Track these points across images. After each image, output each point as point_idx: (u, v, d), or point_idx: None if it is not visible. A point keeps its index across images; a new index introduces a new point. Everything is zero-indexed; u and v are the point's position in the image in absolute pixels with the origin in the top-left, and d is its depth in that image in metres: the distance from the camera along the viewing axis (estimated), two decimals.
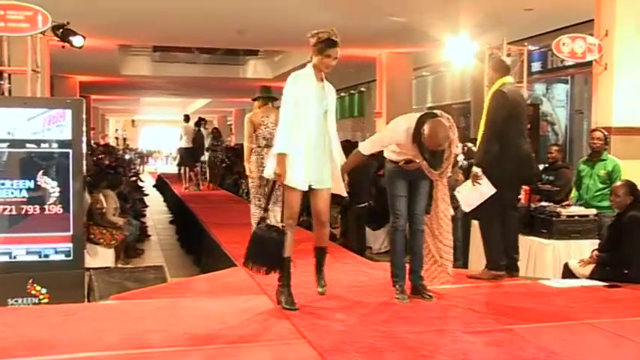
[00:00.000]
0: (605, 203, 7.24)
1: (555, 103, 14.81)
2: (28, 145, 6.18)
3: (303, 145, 5.05)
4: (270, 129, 7.34)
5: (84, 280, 6.42)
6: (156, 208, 17.78)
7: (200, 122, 17.34)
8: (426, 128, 5.22)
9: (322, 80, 5.24)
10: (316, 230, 5.33)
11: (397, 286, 5.50)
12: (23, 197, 6.16)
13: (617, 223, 6.38)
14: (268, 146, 7.22)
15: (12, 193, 6.14)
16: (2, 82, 8.45)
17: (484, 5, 10.98)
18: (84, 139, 6.57)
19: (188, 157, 16.95)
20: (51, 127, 6.20)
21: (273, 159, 5.13)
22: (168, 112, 41.99)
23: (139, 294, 5.86)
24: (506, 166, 6.24)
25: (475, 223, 7.79)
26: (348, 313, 5.05)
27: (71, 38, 8.60)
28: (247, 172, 7.80)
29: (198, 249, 10.30)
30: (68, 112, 6.25)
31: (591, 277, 6.27)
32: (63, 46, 8.73)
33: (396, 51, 16.06)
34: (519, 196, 7.07)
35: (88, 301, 6.35)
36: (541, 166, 9.23)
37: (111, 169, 13.64)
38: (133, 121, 51.11)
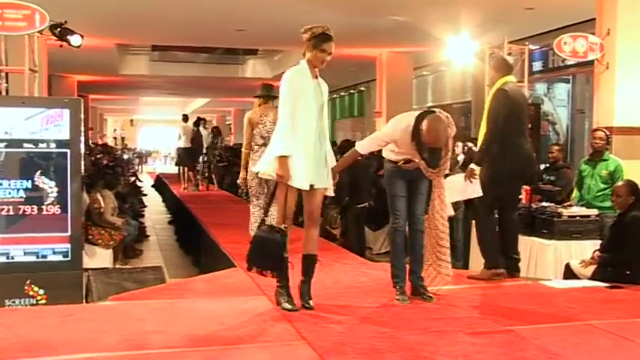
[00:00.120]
0: (607, 203, 7.21)
1: (556, 102, 14.79)
2: (25, 144, 6.14)
3: (304, 143, 5.01)
4: (268, 128, 7.31)
5: (82, 281, 6.38)
6: (154, 208, 17.76)
7: (199, 122, 17.30)
8: (424, 125, 5.22)
9: (317, 77, 5.18)
10: (308, 232, 5.21)
11: (397, 286, 5.47)
12: (21, 197, 6.12)
13: (619, 223, 6.36)
14: (265, 145, 7.18)
15: (9, 194, 6.10)
16: (0, 81, 8.40)
17: (485, 4, 10.96)
18: (82, 138, 6.53)
19: (187, 157, 16.92)
20: (49, 126, 6.16)
21: (269, 157, 5.08)
22: (167, 111, 42.01)
23: (138, 295, 5.83)
24: (507, 165, 6.22)
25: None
26: (348, 314, 5.02)
27: (69, 37, 8.56)
28: (239, 181, 7.81)
29: (197, 249, 10.28)
30: (66, 112, 6.21)
31: (593, 277, 6.25)
32: (61, 45, 8.70)
33: (396, 50, 16.05)
34: (520, 196, 7.04)
35: (86, 301, 6.32)
36: (542, 166, 9.20)
37: (109, 169, 13.61)
38: (131, 120, 51.12)
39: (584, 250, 6.94)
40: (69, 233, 6.23)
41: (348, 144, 10.16)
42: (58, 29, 8.38)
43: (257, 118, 7.57)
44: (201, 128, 17.25)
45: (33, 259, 6.16)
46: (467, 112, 17.25)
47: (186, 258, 11.05)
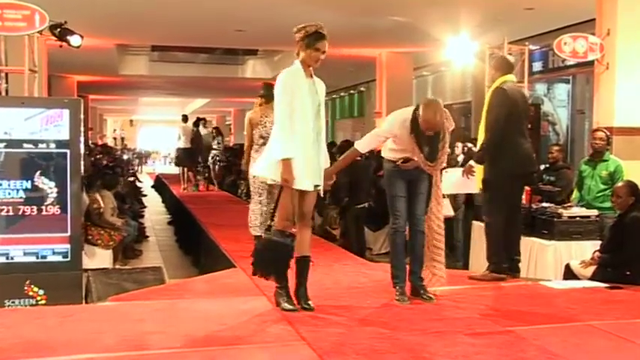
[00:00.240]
0: (607, 204, 7.20)
1: (556, 102, 14.78)
2: (25, 145, 6.13)
3: (302, 143, 4.99)
4: (268, 128, 7.31)
5: (82, 282, 6.37)
6: (154, 208, 17.76)
7: (198, 122, 17.28)
8: (421, 110, 5.26)
9: (312, 76, 5.16)
10: (301, 233, 5.17)
11: (397, 287, 5.47)
12: (20, 198, 6.12)
13: (619, 224, 6.36)
14: (265, 145, 7.19)
15: (9, 194, 6.09)
16: (0, 81, 8.39)
17: (485, 5, 10.95)
18: (82, 139, 6.53)
19: (186, 157, 16.91)
20: (48, 127, 6.16)
21: (268, 161, 5.06)
22: (167, 112, 41.98)
23: (138, 295, 5.83)
24: (506, 164, 6.21)
25: (476, 224, 7.77)
26: (348, 314, 5.02)
27: (69, 37, 8.56)
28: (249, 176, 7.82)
29: (197, 250, 10.27)
30: (66, 112, 6.21)
31: (593, 278, 6.24)
32: (61, 46, 8.69)
33: (396, 50, 16.03)
34: (521, 196, 7.03)
35: (86, 302, 6.31)
36: (542, 167, 9.19)
37: (109, 169, 13.60)
38: (131, 121, 51.12)
39: (584, 251, 6.93)
40: (69, 234, 6.22)
41: (348, 144, 10.14)
42: (58, 29, 8.38)
43: (258, 118, 7.58)
44: (201, 128, 17.24)
45: (33, 259, 6.15)
46: (467, 113, 17.23)
47: (185, 258, 11.04)
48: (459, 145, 10.62)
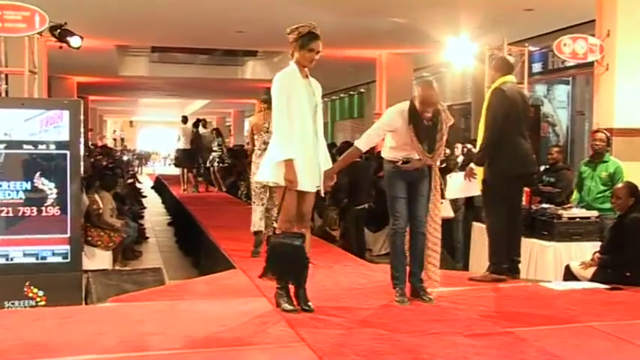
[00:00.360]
0: (607, 205, 7.19)
1: (556, 104, 14.79)
2: (25, 146, 6.14)
3: (302, 144, 4.99)
4: (271, 134, 7.33)
5: (81, 283, 6.38)
6: (154, 209, 17.75)
7: (198, 123, 17.27)
8: (416, 90, 5.35)
9: (307, 77, 5.16)
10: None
11: (397, 288, 5.46)
12: (20, 199, 6.12)
13: (619, 225, 6.35)
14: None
15: (9, 195, 6.10)
16: (0, 82, 8.40)
17: (484, 6, 10.95)
18: (82, 140, 6.53)
19: (186, 158, 16.89)
20: (48, 128, 6.16)
21: (270, 164, 5.05)
22: (167, 113, 42.00)
23: (137, 296, 5.82)
24: (505, 166, 6.21)
25: (476, 225, 7.77)
26: (348, 315, 5.01)
27: (69, 39, 8.57)
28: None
29: (197, 251, 10.26)
30: (66, 113, 6.21)
31: (593, 279, 6.24)
32: (60, 47, 8.71)
33: (396, 51, 16.04)
34: (521, 198, 7.03)
35: (86, 303, 6.31)
36: (542, 168, 9.19)
37: (108, 170, 13.60)
38: (131, 122, 51.13)
39: (584, 252, 6.93)
40: (68, 235, 6.22)
41: (348, 145, 10.13)
42: (58, 31, 8.39)
43: (261, 123, 7.57)
44: (200, 128, 17.22)
45: (32, 260, 6.15)
46: (467, 114, 17.24)
47: (185, 259, 11.03)
48: (459, 146, 10.63)
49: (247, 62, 22.05)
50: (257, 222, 7.56)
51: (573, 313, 5.20)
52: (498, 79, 6.38)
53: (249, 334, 4.50)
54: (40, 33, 7.75)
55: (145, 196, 18.85)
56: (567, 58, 9.03)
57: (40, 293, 6.10)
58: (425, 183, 5.50)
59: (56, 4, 8.25)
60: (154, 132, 52.90)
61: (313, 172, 5.07)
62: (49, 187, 6.16)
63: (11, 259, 6.11)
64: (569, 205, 7.65)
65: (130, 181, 18.53)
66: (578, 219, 7.32)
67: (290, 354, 4.16)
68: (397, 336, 4.49)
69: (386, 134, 5.56)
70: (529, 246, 7.26)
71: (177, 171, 18.87)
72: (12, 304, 6.02)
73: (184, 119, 17.68)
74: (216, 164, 16.60)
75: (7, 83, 8.53)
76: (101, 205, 9.15)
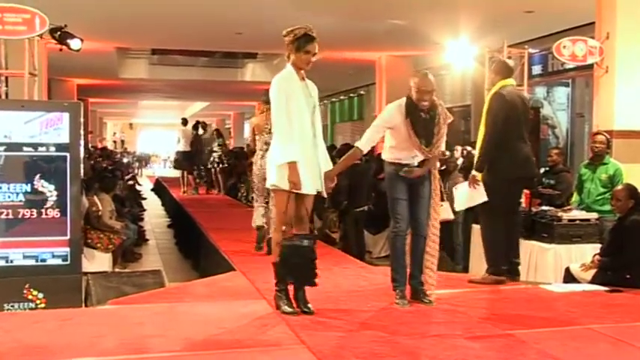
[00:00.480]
0: (607, 207, 7.19)
1: (556, 106, 14.78)
2: (25, 148, 6.13)
3: (302, 147, 4.99)
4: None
5: (81, 285, 6.37)
6: (154, 212, 17.74)
7: (197, 125, 17.27)
8: (412, 81, 5.37)
9: (304, 79, 5.17)
10: None
11: (397, 290, 5.46)
12: (20, 201, 6.11)
13: (619, 227, 6.35)
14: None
15: (9, 197, 6.09)
16: (0, 84, 8.40)
17: (484, 8, 10.96)
18: (81, 142, 6.52)
19: (185, 160, 16.89)
20: (48, 130, 6.16)
21: (274, 168, 5.04)
22: (166, 115, 41.97)
23: (137, 299, 5.83)
24: (504, 169, 6.21)
25: (476, 227, 7.76)
26: (348, 318, 5.02)
27: (69, 41, 8.56)
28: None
29: (197, 253, 10.26)
30: (66, 116, 6.21)
31: (593, 281, 6.24)
32: (61, 49, 8.70)
33: (395, 54, 16.03)
34: (520, 200, 7.03)
35: (86, 305, 6.30)
36: (542, 170, 9.19)
37: (108, 172, 13.59)
38: (130, 124, 51.12)
39: (584, 254, 6.93)
40: (68, 237, 6.21)
41: (348, 148, 10.14)
42: (58, 33, 8.38)
43: (262, 124, 7.60)
44: (200, 130, 17.21)
45: (32, 262, 6.15)
46: (466, 116, 17.21)
47: (185, 262, 11.02)
48: (459, 148, 10.61)
49: (247, 64, 22.04)
50: (259, 218, 7.80)
51: (573, 316, 5.21)
52: (498, 83, 6.39)
53: (249, 337, 4.50)
54: (40, 35, 7.75)
55: (144, 199, 18.83)
56: (567, 60, 9.02)
57: (40, 295, 6.09)
58: (426, 185, 5.51)
59: (56, 7, 8.24)
60: (153, 134, 52.89)
61: (313, 174, 5.07)
62: (48, 190, 6.15)
63: (11, 262, 6.11)
64: (568, 208, 7.65)
65: (130, 183, 18.52)
66: (578, 221, 7.32)
67: (290, 356, 4.16)
68: (397, 338, 4.49)
69: (385, 132, 5.55)
70: (529, 248, 7.27)
71: (177, 173, 18.85)
72: (12, 306, 6.00)
73: (184, 121, 17.68)
74: (216, 165, 16.60)
75: (7, 85, 8.52)
76: (100, 207, 9.14)
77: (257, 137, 7.75)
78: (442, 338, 4.52)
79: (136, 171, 30.16)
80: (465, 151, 10.18)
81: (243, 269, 6.83)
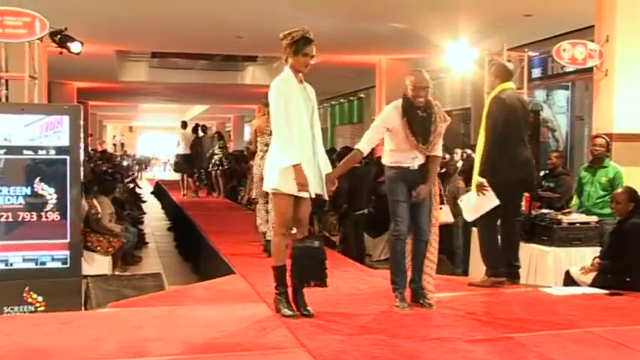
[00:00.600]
0: (607, 210, 7.19)
1: (556, 109, 14.79)
2: (25, 151, 6.14)
3: (302, 150, 4.98)
4: None
5: (81, 288, 6.37)
6: (154, 215, 17.74)
7: (197, 128, 17.27)
8: (408, 79, 5.50)
9: (302, 82, 5.17)
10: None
11: (397, 293, 5.45)
12: (20, 204, 6.12)
13: (619, 230, 6.35)
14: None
15: (9, 200, 6.09)
16: (0, 88, 8.40)
17: (484, 11, 10.97)
18: (81, 145, 6.53)
19: (185, 163, 16.88)
20: (48, 133, 6.16)
21: (273, 170, 5.04)
22: (166, 118, 42.01)
23: (137, 302, 5.82)
24: (505, 172, 6.21)
25: (475, 230, 7.76)
26: (348, 321, 5.01)
27: (69, 44, 8.58)
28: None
29: (197, 256, 10.25)
30: (66, 119, 6.21)
31: (593, 284, 6.23)
32: (61, 52, 8.71)
33: (395, 57, 16.04)
34: (521, 203, 7.03)
35: (85, 309, 6.30)
36: (541, 173, 9.19)
37: (108, 175, 13.60)
38: (130, 127, 51.15)
39: (584, 257, 6.92)
40: (68, 240, 6.22)
41: (348, 151, 10.16)
42: (58, 36, 8.40)
43: (264, 126, 7.61)
44: (200, 132, 17.21)
45: (32, 265, 6.15)
46: (466, 119, 17.24)
47: (185, 265, 11.02)
48: (458, 151, 10.63)
49: (247, 67, 22.05)
50: (263, 224, 7.81)
51: (573, 319, 5.20)
52: (498, 86, 6.39)
53: (249, 340, 4.49)
54: (40, 39, 7.76)
55: (144, 201, 18.84)
56: (566, 63, 9.03)
57: (40, 299, 6.09)
58: None
59: (56, 10, 8.26)
60: (153, 137, 52.93)
61: (314, 177, 5.06)
62: (48, 193, 6.16)
63: (11, 265, 6.11)
64: (568, 211, 7.65)
65: (130, 186, 18.52)
66: (577, 224, 7.32)
67: (290, 359, 4.15)
68: (397, 341, 4.48)
69: (385, 136, 5.56)
70: (529, 251, 7.27)
71: (176, 176, 18.85)
72: (11, 309, 6.01)
73: (184, 124, 17.68)
74: (217, 167, 16.59)
75: (7, 89, 8.52)
76: (99, 210, 9.14)
77: (258, 139, 7.80)
78: (442, 341, 4.51)
79: (135, 174, 30.15)
80: (464, 154, 10.20)
81: (243, 272, 6.82)
